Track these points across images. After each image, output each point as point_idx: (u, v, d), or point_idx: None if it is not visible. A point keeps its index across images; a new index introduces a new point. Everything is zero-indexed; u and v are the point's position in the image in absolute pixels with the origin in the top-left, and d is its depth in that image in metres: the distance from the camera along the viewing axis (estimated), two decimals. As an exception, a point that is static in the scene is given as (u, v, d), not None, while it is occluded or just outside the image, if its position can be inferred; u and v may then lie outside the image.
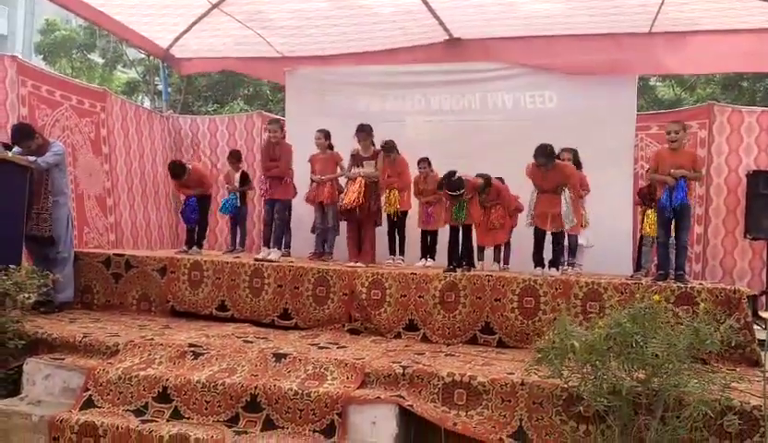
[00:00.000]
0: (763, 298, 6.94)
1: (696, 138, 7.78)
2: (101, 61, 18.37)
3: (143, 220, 8.82)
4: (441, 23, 7.70)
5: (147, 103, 16.92)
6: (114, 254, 6.42)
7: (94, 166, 7.86)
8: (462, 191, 5.87)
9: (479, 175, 6.20)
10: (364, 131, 6.64)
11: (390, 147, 6.91)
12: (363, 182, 6.52)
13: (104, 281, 6.28)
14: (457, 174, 5.90)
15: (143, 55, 16.13)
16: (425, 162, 6.90)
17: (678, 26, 7.23)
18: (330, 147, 7.16)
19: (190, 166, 7.25)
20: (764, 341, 4.60)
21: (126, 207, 8.45)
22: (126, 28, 8.16)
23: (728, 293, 4.83)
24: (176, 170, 7.06)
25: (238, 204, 7.80)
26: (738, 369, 4.32)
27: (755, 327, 4.96)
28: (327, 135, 7.14)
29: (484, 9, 7.22)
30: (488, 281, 5.32)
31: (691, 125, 7.76)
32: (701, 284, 5.21)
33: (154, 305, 6.15)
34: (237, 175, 7.83)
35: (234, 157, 7.94)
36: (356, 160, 6.69)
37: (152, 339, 4.73)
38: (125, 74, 19.32)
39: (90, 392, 4.20)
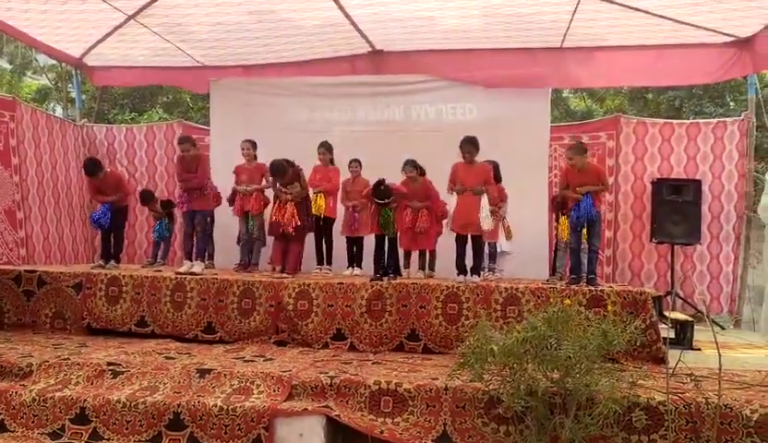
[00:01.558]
0: (668, 298, 7.37)
1: (605, 148, 8.22)
2: (8, 67, 17.43)
3: (56, 233, 8.45)
4: (363, 36, 7.80)
5: (59, 111, 16.16)
6: (25, 270, 6.13)
7: (3, 178, 7.47)
8: (389, 200, 6.03)
9: (411, 164, 6.42)
10: (279, 172, 6.39)
11: (328, 147, 7.09)
12: (294, 205, 6.43)
13: (15, 298, 6.00)
14: (385, 183, 6.06)
15: (54, 62, 15.42)
16: (356, 163, 7.03)
17: (587, 41, 7.62)
18: (255, 157, 7.14)
19: (108, 169, 7.04)
20: (667, 338, 4.93)
21: (37, 220, 8.07)
22: (36, 37, 7.79)
23: (635, 295, 5.13)
24: (91, 165, 6.76)
25: (170, 228, 7.76)
26: (644, 367, 4.59)
27: (661, 326, 5.27)
28: (254, 145, 7.11)
29: (404, 23, 7.37)
30: (414, 288, 5.44)
31: (599, 135, 8.21)
32: (610, 287, 5.51)
33: (69, 323, 5.93)
34: (158, 206, 7.72)
35: (146, 199, 7.70)
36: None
37: (68, 358, 4.56)
38: (35, 81, 18.40)
39: (1, 416, 4.02)
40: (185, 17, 7.22)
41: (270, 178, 6.66)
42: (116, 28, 7.50)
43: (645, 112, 14.27)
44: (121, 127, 10.07)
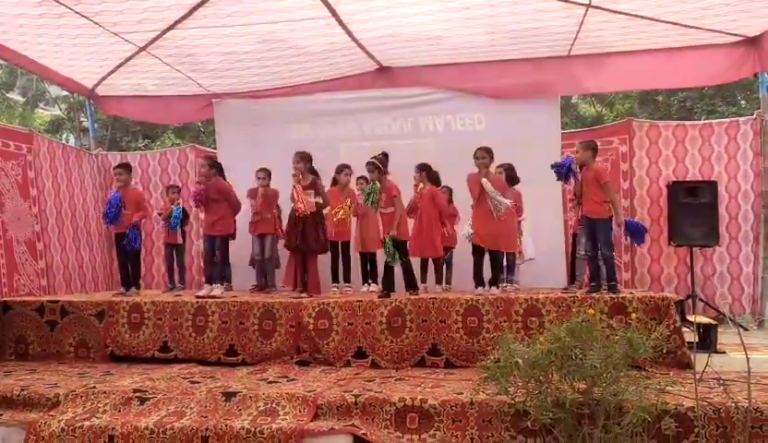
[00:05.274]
0: (690, 302, 7.31)
1: (618, 153, 8.19)
2: (21, 99, 17.73)
3: (75, 262, 8.54)
4: (371, 55, 7.84)
5: (72, 141, 16.41)
6: (48, 301, 6.20)
7: (22, 210, 7.58)
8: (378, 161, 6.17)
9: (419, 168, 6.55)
10: (304, 158, 6.52)
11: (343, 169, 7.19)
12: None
13: (39, 329, 6.07)
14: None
15: (66, 92, 15.68)
16: (363, 180, 7.03)
17: (595, 48, 7.61)
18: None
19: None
20: (693, 343, 4.89)
21: (57, 250, 8.17)
22: (49, 69, 7.91)
23: (657, 300, 5.10)
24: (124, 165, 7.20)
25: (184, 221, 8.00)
26: (671, 373, 4.56)
27: (684, 330, 5.23)
28: (268, 173, 7.23)
29: (411, 43, 7.39)
30: (433, 303, 5.44)
31: (612, 140, 8.19)
32: (631, 293, 5.48)
33: (93, 352, 5.98)
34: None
35: (174, 190, 8.06)
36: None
37: (94, 387, 4.60)
38: (47, 112, 18.70)
39: (31, 448, 4.04)
40: (195, 47, 7.29)
41: (294, 164, 6.55)
42: (128, 59, 7.59)
43: (657, 114, 14.25)
44: (135, 154, 10.19)
